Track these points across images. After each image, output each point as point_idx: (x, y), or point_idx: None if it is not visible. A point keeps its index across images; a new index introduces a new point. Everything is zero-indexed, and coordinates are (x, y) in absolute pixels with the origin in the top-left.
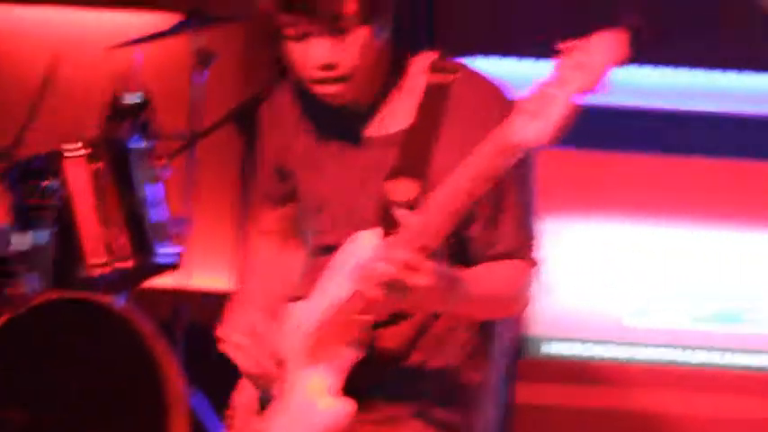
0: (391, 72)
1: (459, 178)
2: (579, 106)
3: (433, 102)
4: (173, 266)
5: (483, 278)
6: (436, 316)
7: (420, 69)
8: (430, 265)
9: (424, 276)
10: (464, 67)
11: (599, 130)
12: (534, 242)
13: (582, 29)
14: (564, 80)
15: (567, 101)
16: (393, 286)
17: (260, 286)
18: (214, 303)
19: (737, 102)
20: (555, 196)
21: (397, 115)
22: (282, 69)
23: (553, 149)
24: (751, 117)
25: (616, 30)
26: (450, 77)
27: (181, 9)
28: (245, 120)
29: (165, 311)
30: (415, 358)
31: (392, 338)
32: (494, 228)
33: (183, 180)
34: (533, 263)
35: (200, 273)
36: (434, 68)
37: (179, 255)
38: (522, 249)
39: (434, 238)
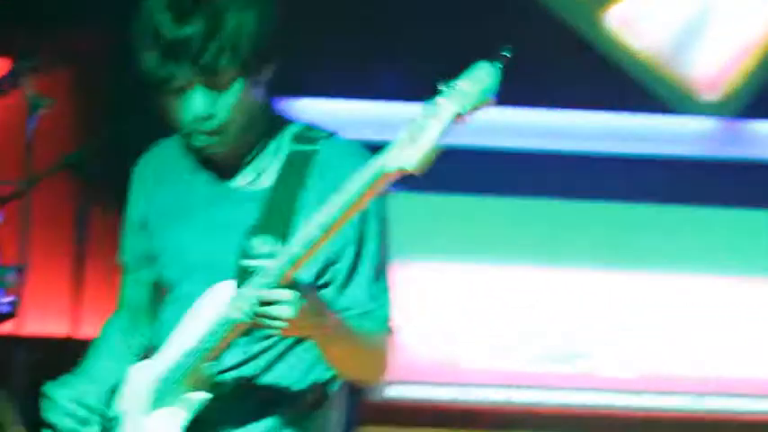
0: (262, 130)
1: (331, 208)
2: (453, 134)
3: (298, 165)
4: (8, 315)
5: (347, 327)
6: (280, 355)
7: (288, 134)
8: (294, 293)
9: (290, 307)
10: (329, 134)
11: (437, 171)
12: (389, 303)
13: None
14: (440, 109)
15: (441, 128)
16: (263, 318)
17: (105, 362)
18: (51, 349)
19: (581, 141)
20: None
21: (261, 173)
22: (117, 115)
23: (393, 192)
24: (594, 156)
25: (490, 62)
26: (315, 144)
27: (12, 53)
28: (80, 166)
29: (1, 359)
30: (261, 396)
31: (238, 379)
32: (349, 289)
33: (18, 227)
34: (390, 325)
35: (37, 320)
36: (301, 135)
37: (14, 303)
38: (376, 310)
39: (300, 269)
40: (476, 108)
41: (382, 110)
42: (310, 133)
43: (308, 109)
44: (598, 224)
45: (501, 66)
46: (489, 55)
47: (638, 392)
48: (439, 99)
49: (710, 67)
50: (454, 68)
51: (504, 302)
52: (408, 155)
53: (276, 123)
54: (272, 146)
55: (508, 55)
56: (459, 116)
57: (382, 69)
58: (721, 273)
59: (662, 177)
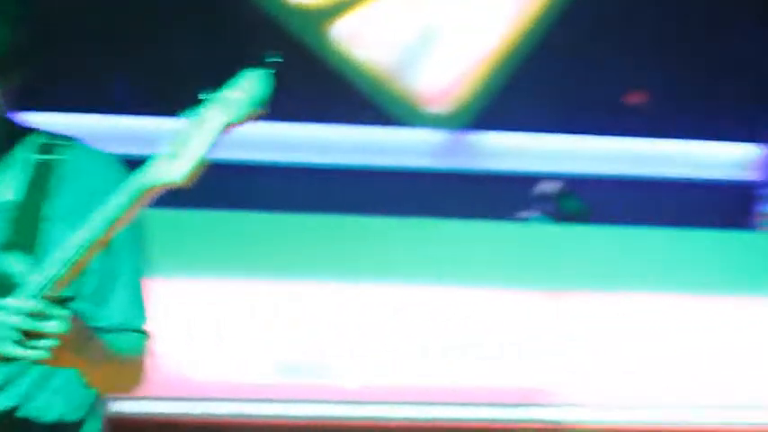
0: (2, 139)
1: (94, 225)
2: (220, 144)
3: (45, 176)
4: None
5: (106, 345)
6: (40, 381)
7: (30, 144)
8: (62, 312)
9: (58, 323)
10: (75, 141)
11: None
12: (145, 313)
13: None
14: (207, 120)
15: (208, 140)
16: (29, 338)
17: None
18: None
19: (311, 154)
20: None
21: (2, 185)
22: None
23: (155, 210)
24: (325, 169)
25: (259, 68)
26: (61, 153)
27: None
28: None
29: None
30: (23, 427)
31: None
32: (104, 301)
33: None
34: (146, 335)
35: None
36: (45, 144)
37: None
38: (133, 321)
39: (62, 287)
40: (246, 118)
41: (117, 123)
42: (55, 142)
43: (43, 123)
44: (334, 237)
45: (272, 73)
46: (232, 68)
47: (378, 403)
48: (204, 109)
49: (438, 80)
50: (190, 83)
51: (247, 316)
52: (175, 168)
53: (17, 133)
54: (13, 156)
55: (278, 61)
56: (228, 126)
57: (116, 84)
58: (449, 283)
59: (391, 189)
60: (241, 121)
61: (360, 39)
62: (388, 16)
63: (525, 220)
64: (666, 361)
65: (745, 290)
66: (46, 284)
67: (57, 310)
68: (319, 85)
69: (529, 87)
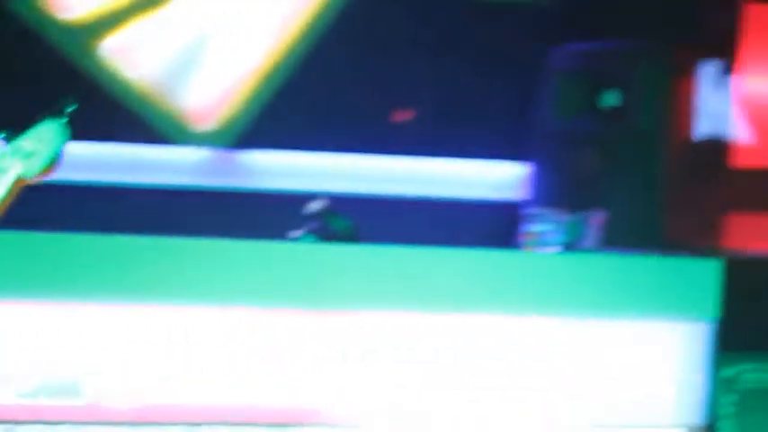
0: None
1: None
2: (22, 189)
3: None
4: None
5: None
6: None
7: None
8: None
9: None
10: None
11: None
12: None
13: None
14: (8, 166)
15: (9, 185)
16: None
17: None
18: None
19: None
20: None
21: None
22: None
23: None
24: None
25: (56, 118)
26: None
27: None
28: None
29: None
30: None
31: None
32: None
33: None
34: None
35: None
36: None
37: None
38: None
39: None
40: (41, 173)
41: None
42: None
43: None
44: (97, 256)
45: (66, 123)
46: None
47: (142, 424)
48: (7, 151)
49: (204, 97)
50: None
51: (11, 337)
52: None
53: None
54: None
55: (72, 109)
56: (22, 180)
57: None
58: (217, 303)
59: (157, 207)
60: (36, 176)
61: (128, 55)
62: (156, 31)
63: (292, 239)
64: (437, 380)
65: (509, 309)
66: None
67: None
68: (86, 102)
69: (295, 105)
